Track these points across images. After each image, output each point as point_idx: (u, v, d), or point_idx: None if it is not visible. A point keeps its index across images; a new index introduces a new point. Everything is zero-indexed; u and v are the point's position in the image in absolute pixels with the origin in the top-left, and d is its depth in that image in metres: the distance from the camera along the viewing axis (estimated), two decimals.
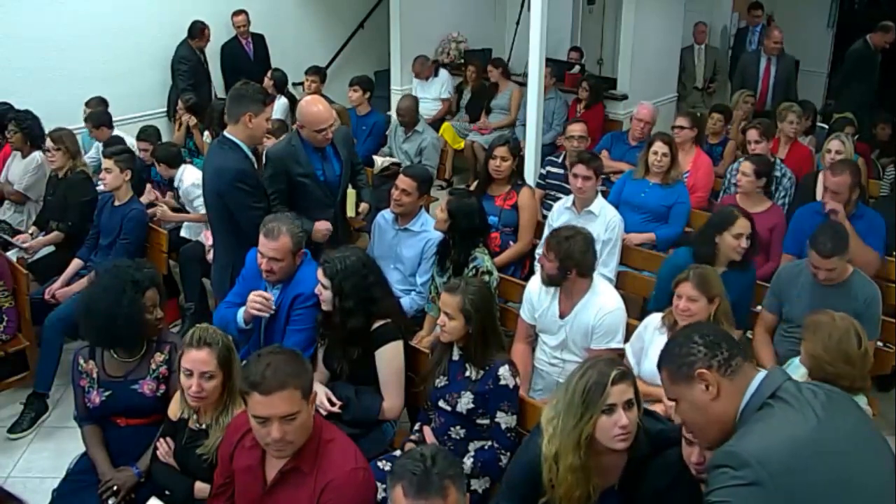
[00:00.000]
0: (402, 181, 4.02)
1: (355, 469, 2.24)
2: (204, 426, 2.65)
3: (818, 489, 1.72)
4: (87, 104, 5.86)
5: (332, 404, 3.05)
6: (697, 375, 1.88)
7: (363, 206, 4.14)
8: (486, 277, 3.69)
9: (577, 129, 5.13)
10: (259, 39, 7.49)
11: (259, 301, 3.16)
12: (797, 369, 3.11)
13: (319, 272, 3.07)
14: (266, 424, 2.14)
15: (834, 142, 4.80)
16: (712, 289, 3.10)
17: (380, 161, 5.89)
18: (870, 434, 1.88)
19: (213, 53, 7.34)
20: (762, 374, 1.89)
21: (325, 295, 3.05)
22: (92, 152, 5.68)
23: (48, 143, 4.78)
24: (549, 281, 3.38)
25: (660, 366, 2.02)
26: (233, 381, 2.59)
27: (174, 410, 2.76)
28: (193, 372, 2.55)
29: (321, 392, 3.10)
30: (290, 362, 2.19)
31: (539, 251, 4.03)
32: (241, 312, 3.25)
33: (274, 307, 3.23)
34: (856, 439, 1.83)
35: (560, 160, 5.12)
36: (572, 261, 3.28)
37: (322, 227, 3.81)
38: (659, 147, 4.67)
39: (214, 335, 2.59)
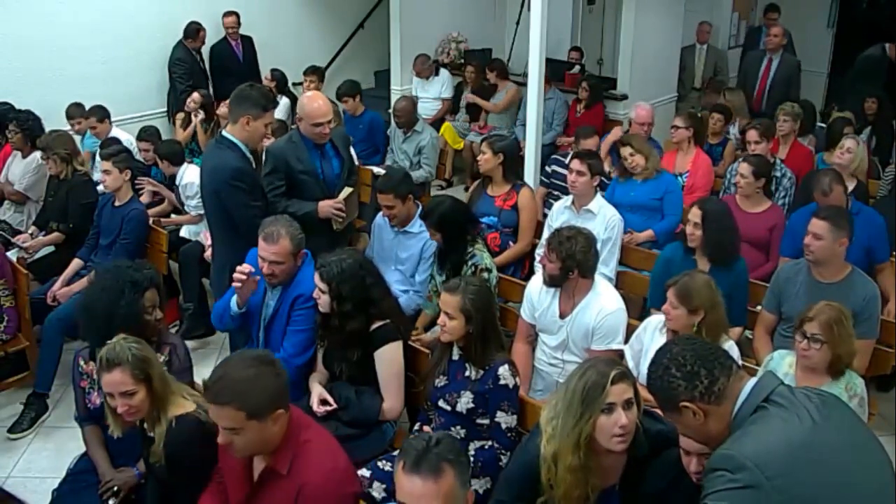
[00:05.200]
0: (381, 199, 3.98)
1: (332, 469, 2.23)
2: (151, 434, 2.59)
3: (815, 491, 1.72)
4: (68, 115, 5.83)
5: (329, 405, 3.06)
6: (681, 407, 1.89)
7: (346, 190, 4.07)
8: (486, 275, 3.69)
9: (590, 143, 5.21)
10: (248, 41, 7.47)
11: (238, 273, 3.15)
12: (783, 359, 3.14)
13: (316, 276, 3.06)
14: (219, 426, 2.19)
15: (848, 140, 4.83)
16: (693, 301, 3.05)
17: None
18: (866, 436, 1.89)
19: (205, 54, 7.36)
20: (752, 381, 1.89)
21: (323, 299, 3.04)
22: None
23: (40, 153, 4.78)
24: (550, 281, 3.38)
25: (648, 390, 2.03)
26: (156, 386, 2.53)
27: None
28: (115, 394, 2.49)
29: (314, 393, 3.11)
30: (247, 380, 2.15)
31: (540, 251, 4.03)
32: (234, 298, 3.26)
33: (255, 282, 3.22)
34: (852, 441, 1.83)
35: (567, 160, 5.10)
36: (574, 261, 3.28)
37: (326, 205, 3.80)
38: (625, 150, 4.75)
39: (122, 352, 2.48)
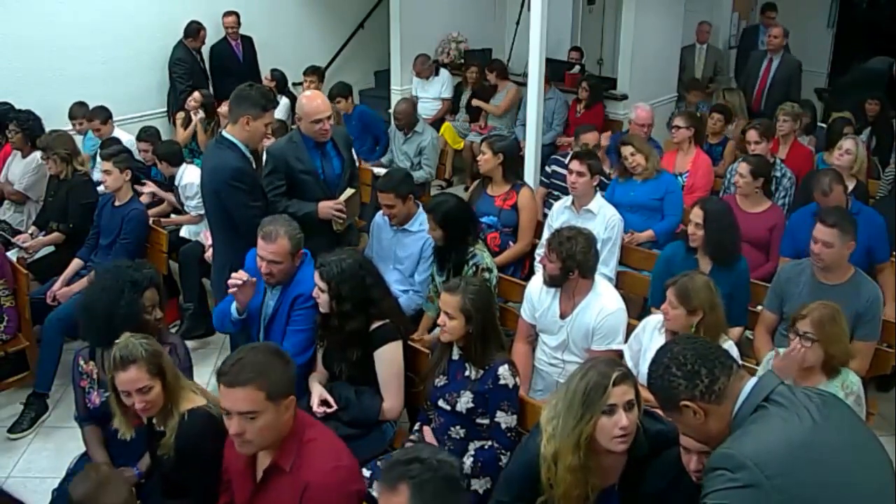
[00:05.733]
0: (381, 198, 3.99)
1: (335, 468, 2.23)
2: (161, 428, 2.61)
3: (815, 491, 1.72)
4: (71, 115, 5.84)
5: (329, 406, 3.06)
6: (682, 406, 1.89)
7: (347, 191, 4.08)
8: (486, 274, 3.69)
9: (589, 137, 5.19)
10: (248, 41, 7.46)
11: (234, 280, 3.15)
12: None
13: (316, 276, 3.06)
14: (229, 417, 2.16)
15: (847, 141, 4.83)
16: (692, 301, 3.07)
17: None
18: (866, 436, 1.89)
19: (205, 54, 7.36)
20: (752, 380, 1.89)
21: (323, 298, 3.04)
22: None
23: (40, 153, 4.78)
24: (550, 281, 3.38)
25: (649, 389, 2.03)
26: (169, 380, 2.54)
27: None
28: (131, 391, 2.50)
29: (315, 394, 3.11)
30: (264, 362, 2.18)
31: (540, 251, 4.03)
32: (234, 304, 3.27)
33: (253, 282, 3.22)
34: (852, 441, 1.83)
35: (566, 160, 5.10)
36: (574, 261, 3.28)
37: (326, 206, 3.80)
38: (626, 150, 4.74)
39: (135, 349, 2.50)
